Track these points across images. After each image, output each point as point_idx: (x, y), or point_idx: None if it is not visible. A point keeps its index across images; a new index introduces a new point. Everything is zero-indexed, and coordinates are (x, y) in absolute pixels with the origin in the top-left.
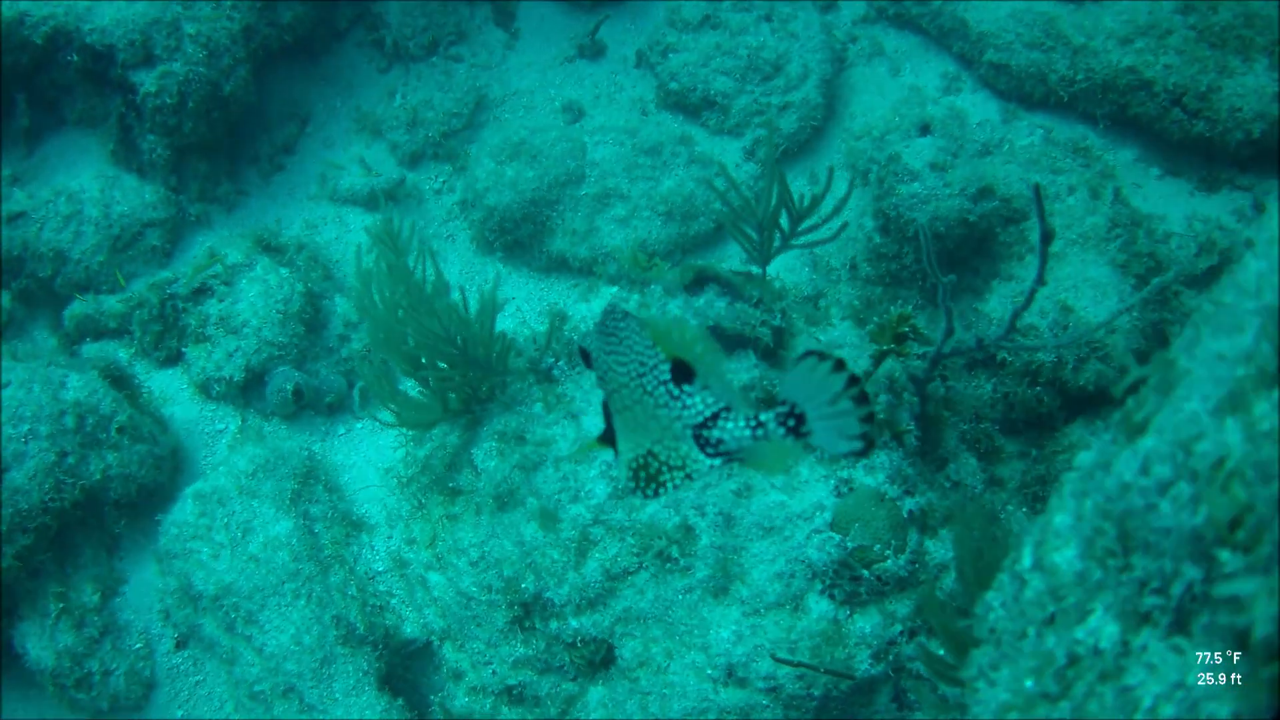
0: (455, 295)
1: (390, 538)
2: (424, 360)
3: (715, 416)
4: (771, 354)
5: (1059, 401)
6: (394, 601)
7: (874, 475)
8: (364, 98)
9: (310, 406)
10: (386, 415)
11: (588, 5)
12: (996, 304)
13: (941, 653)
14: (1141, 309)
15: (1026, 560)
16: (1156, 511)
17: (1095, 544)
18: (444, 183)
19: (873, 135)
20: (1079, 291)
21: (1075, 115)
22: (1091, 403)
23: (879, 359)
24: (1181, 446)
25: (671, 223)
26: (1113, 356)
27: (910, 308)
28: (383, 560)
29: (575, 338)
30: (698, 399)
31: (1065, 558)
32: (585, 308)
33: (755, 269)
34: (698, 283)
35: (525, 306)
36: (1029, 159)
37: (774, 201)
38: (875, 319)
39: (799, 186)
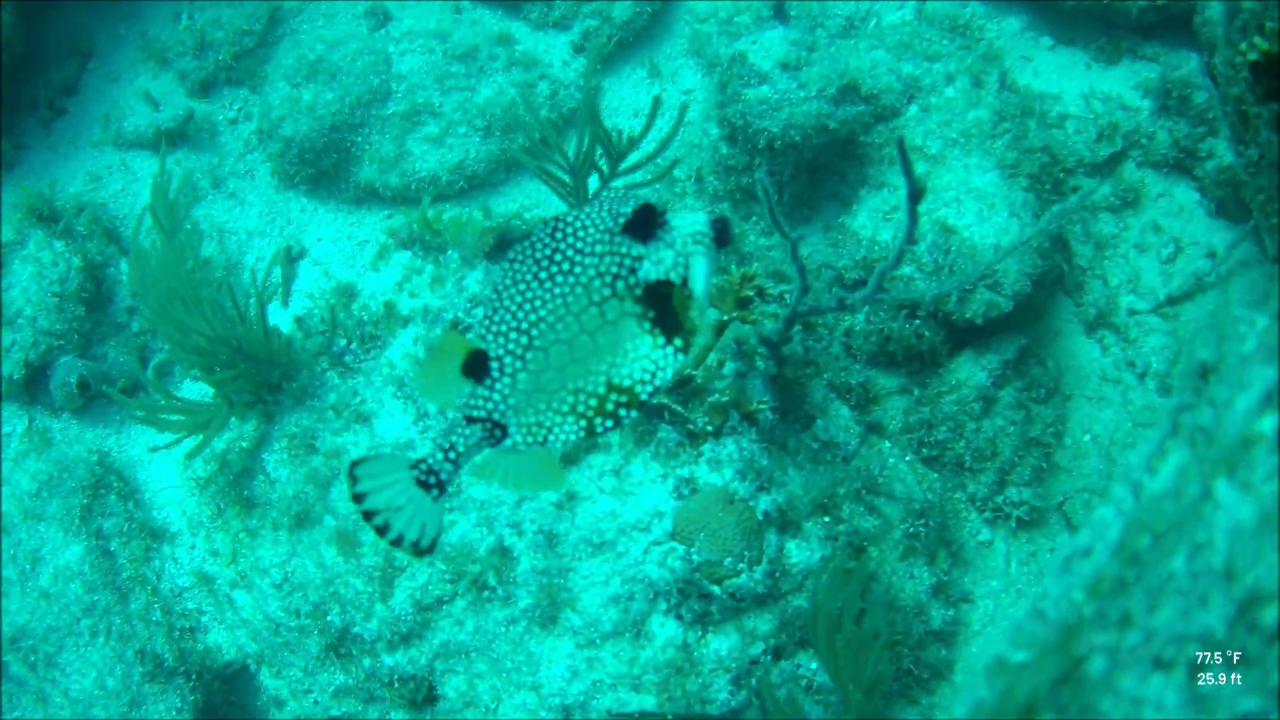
0: (246, 275)
1: (193, 548)
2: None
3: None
4: None
5: (942, 335)
6: (205, 619)
7: (720, 471)
8: (151, 21)
9: (102, 395)
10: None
11: None
12: (866, 218)
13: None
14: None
15: None
16: None
17: None
18: (239, 110)
19: (719, 16)
20: (962, 206)
21: None
22: (980, 334)
23: (720, 329)
24: None
25: (491, 138)
26: (1004, 284)
27: (756, 265)
28: (187, 575)
29: (365, 316)
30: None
31: None
32: (376, 279)
33: None
34: (500, 247)
35: (333, 249)
36: (899, 41)
37: (586, 143)
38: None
39: (637, 82)
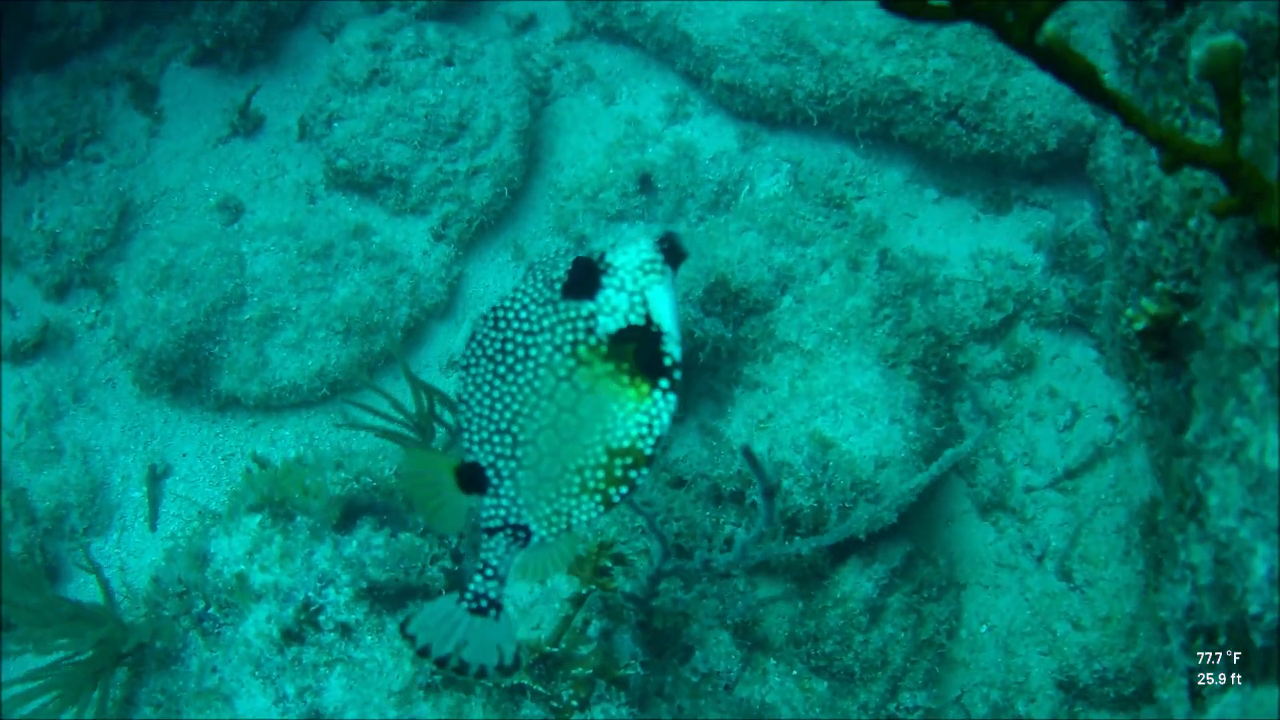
0: (112, 495)
1: None
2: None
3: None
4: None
5: (824, 550)
6: None
7: None
8: (4, 219)
9: None
10: None
11: (236, 68)
12: (740, 425)
13: None
14: (920, 422)
15: None
16: None
17: None
18: (96, 314)
19: (584, 193)
20: (840, 413)
21: (830, 133)
22: (864, 545)
23: (579, 601)
24: None
25: (352, 340)
26: (885, 496)
27: (614, 529)
28: None
29: (218, 581)
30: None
31: None
32: (228, 543)
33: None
34: (349, 515)
35: (199, 465)
36: (771, 221)
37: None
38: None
39: (501, 265)
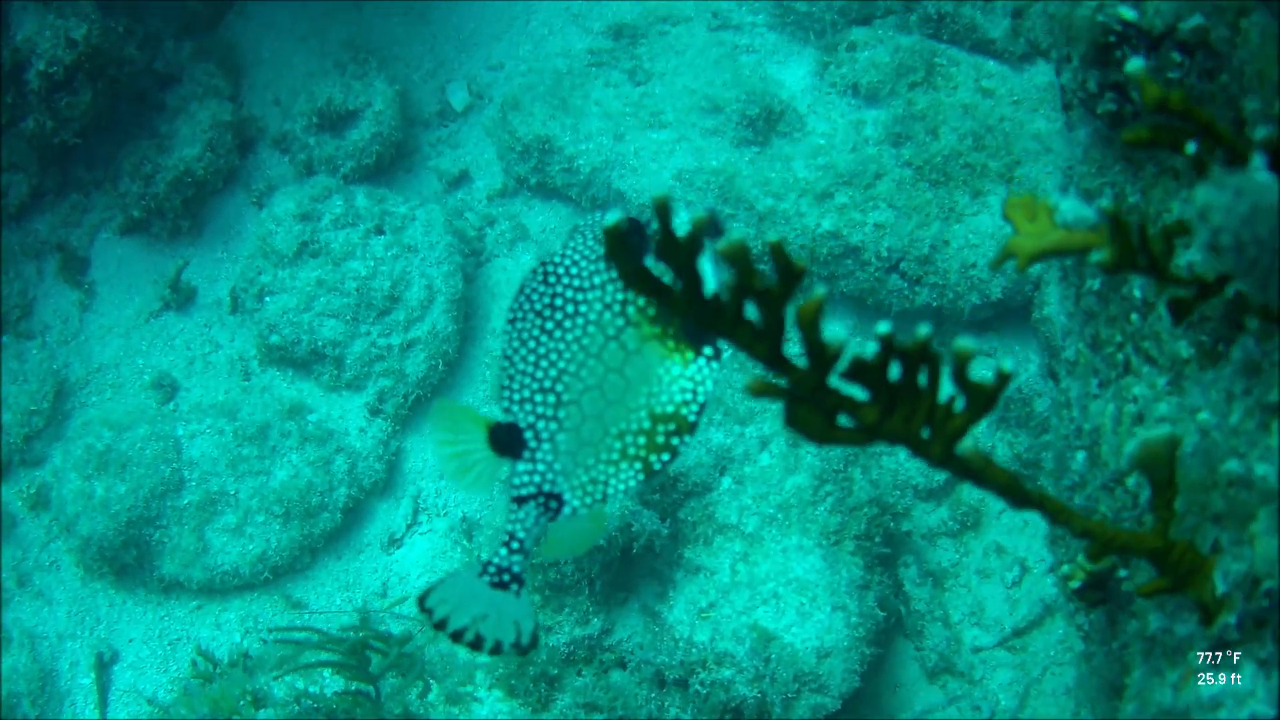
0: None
1: None
2: None
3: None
4: None
5: None
6: None
7: None
8: None
9: None
10: None
11: (165, 236)
12: (683, 612)
13: None
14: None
15: None
16: None
17: None
18: (36, 495)
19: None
20: (781, 602)
21: None
22: None
23: None
24: None
25: (292, 523)
26: (830, 685)
27: None
28: None
29: None
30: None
31: None
32: None
33: None
34: None
35: (145, 651)
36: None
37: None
38: None
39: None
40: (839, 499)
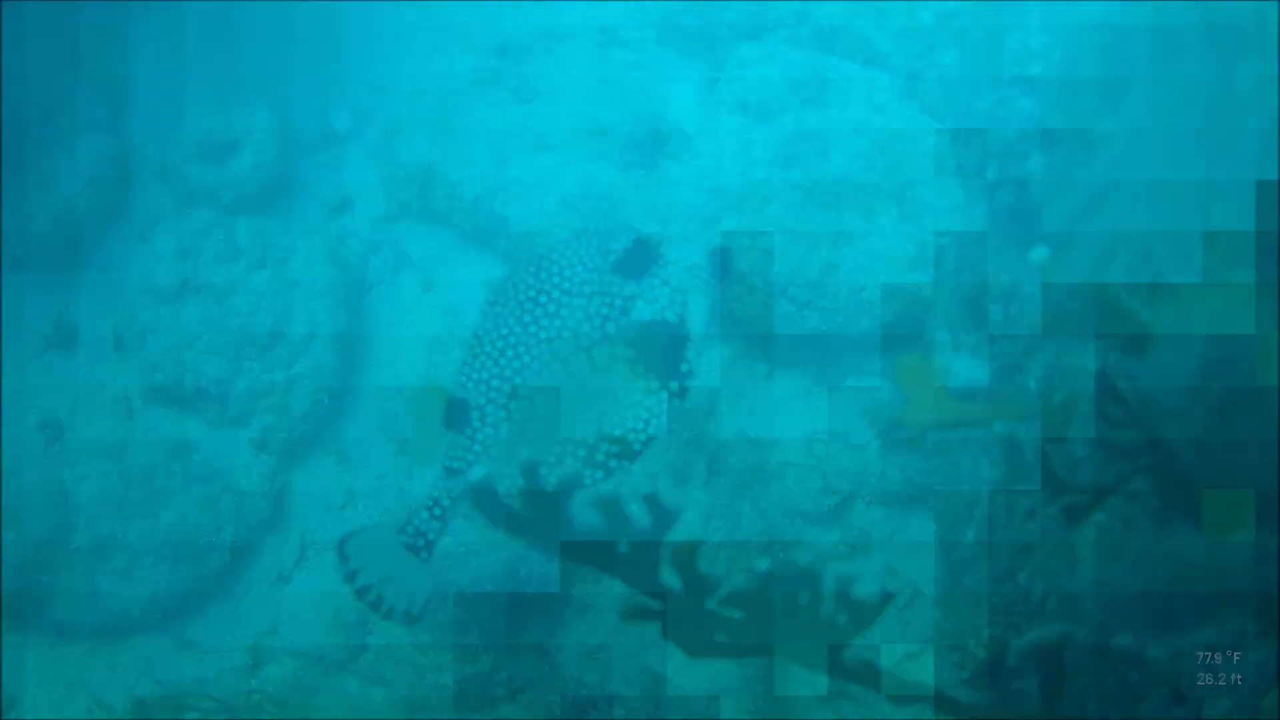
0: None
1: None
2: None
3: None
4: None
5: None
6: None
7: None
8: None
9: None
10: None
11: (49, 273)
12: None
13: None
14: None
15: None
16: None
17: None
18: None
19: (405, 394)
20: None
21: None
22: None
23: None
24: None
25: (181, 564)
26: None
27: None
28: None
29: None
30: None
31: None
32: None
33: None
34: None
35: (41, 695)
36: None
37: None
38: None
39: (325, 470)
40: (727, 535)
